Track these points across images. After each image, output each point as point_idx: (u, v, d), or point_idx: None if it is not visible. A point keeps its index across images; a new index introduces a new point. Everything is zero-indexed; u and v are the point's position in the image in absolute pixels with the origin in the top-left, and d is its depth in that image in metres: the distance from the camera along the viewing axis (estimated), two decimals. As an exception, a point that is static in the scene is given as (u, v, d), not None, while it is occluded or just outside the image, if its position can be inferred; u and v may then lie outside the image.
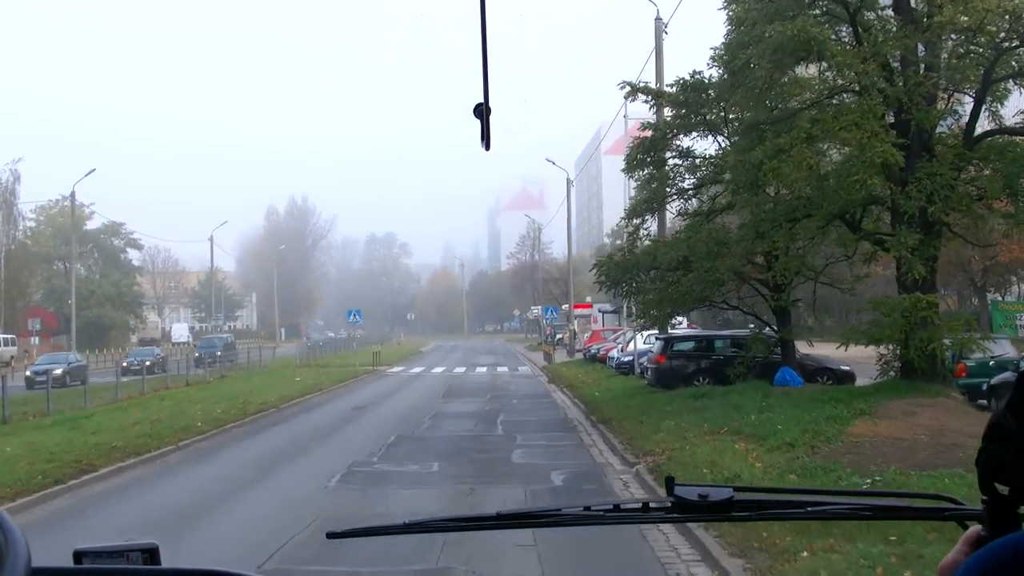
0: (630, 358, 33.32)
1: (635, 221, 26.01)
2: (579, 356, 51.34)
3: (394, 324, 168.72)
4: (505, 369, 48.39)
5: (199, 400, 27.80)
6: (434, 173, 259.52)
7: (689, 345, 26.08)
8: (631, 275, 24.14)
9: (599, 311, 63.83)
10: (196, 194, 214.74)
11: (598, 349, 42.33)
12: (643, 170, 25.46)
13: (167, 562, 1.85)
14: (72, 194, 58.02)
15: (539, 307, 76.07)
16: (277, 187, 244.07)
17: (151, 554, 1.83)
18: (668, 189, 25.31)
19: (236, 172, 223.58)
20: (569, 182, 57.73)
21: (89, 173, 55.42)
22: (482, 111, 2.45)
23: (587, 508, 1.83)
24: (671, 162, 25.45)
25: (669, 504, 1.73)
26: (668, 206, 27.25)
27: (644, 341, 35.05)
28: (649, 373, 25.57)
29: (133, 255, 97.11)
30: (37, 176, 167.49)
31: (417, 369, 49.43)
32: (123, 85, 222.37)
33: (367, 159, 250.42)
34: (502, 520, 1.92)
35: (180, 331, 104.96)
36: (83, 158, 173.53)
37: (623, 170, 26.29)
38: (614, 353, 37.81)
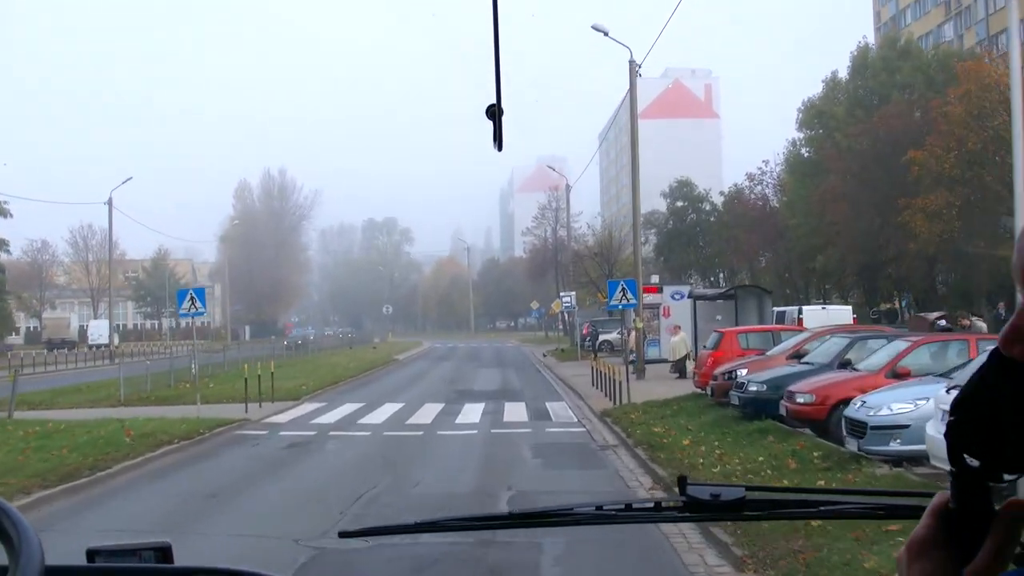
0: None
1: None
2: (659, 380, 25.15)
3: (394, 320, 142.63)
4: (522, 415, 21.92)
5: None
6: (442, 161, 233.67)
7: None
8: None
9: (676, 297, 37.32)
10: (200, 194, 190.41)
11: (762, 385, 15.49)
12: None
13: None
14: None
15: (571, 295, 49.52)
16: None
17: (164, 552, 1.75)
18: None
19: (236, 166, 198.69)
20: (633, 64, 31.47)
21: None
22: (494, 112, 2.20)
23: (599, 507, 1.75)
24: None
25: (681, 503, 1.65)
26: None
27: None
28: None
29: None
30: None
31: (329, 418, 22.34)
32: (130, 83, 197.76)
33: (373, 147, 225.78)
34: (514, 519, 1.86)
35: (99, 329, 78.35)
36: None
37: None
38: (900, 413, 11.14)
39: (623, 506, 1.76)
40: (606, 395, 24.55)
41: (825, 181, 48.00)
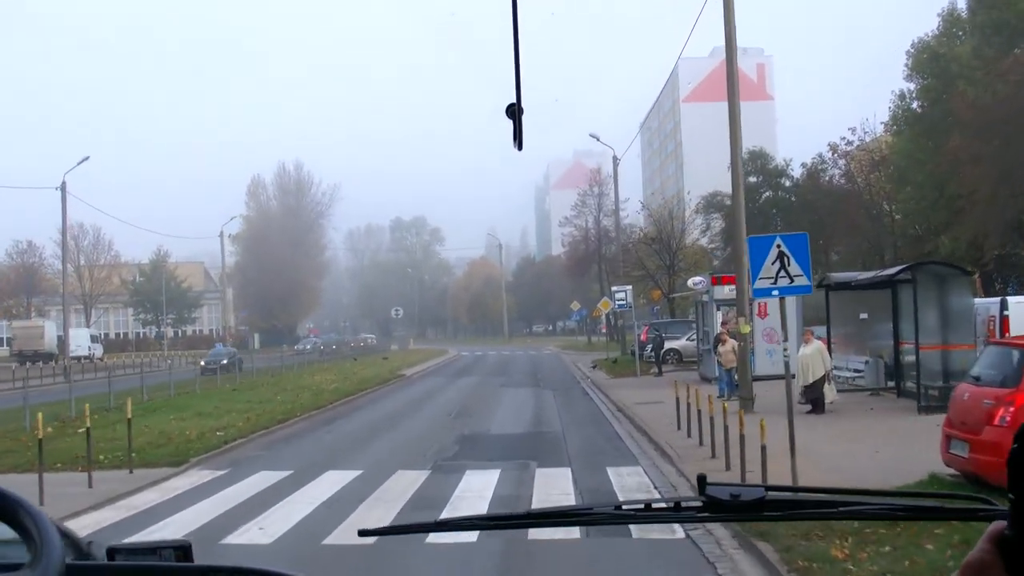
0: None
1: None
2: (779, 415, 14.21)
3: (424, 324, 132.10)
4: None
5: None
6: (474, 158, 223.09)
7: None
8: None
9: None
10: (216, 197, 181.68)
11: None
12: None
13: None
14: None
15: (626, 289, 38.09)
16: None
17: (184, 551, 1.73)
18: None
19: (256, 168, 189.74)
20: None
21: None
22: (514, 111, 2.14)
23: (618, 507, 1.76)
24: None
25: (700, 503, 1.60)
26: None
27: None
28: None
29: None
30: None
31: (183, 524, 11.53)
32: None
33: (404, 148, 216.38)
34: (533, 518, 1.80)
35: (77, 339, 67.46)
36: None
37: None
38: None
39: (642, 506, 1.73)
40: (714, 455, 13.53)
41: (948, 140, 36.39)
